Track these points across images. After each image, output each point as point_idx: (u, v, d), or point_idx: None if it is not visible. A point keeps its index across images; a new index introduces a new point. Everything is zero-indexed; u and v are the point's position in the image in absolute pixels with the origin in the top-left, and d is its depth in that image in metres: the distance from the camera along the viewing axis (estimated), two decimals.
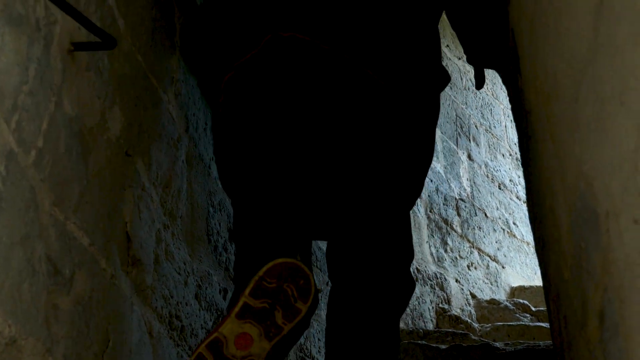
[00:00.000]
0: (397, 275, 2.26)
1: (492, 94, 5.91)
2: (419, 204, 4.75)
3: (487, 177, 5.60)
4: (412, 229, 3.86)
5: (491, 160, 5.73)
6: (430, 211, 4.87)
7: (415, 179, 2.40)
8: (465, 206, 5.25)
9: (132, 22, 2.09)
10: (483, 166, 5.63)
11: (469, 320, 4.50)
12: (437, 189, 4.97)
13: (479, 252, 5.23)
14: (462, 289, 4.90)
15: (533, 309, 4.74)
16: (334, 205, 2.29)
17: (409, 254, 2.33)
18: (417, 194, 2.43)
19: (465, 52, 2.60)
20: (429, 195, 4.88)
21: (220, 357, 1.95)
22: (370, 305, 2.21)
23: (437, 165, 5.03)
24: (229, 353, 1.95)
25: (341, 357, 2.19)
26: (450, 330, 4.14)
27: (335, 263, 2.28)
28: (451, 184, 5.15)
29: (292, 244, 2.22)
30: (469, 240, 5.17)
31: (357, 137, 2.28)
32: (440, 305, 4.69)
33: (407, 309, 4.35)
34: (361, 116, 2.28)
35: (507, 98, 6.04)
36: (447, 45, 5.52)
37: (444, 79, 2.47)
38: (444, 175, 5.09)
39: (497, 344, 3.62)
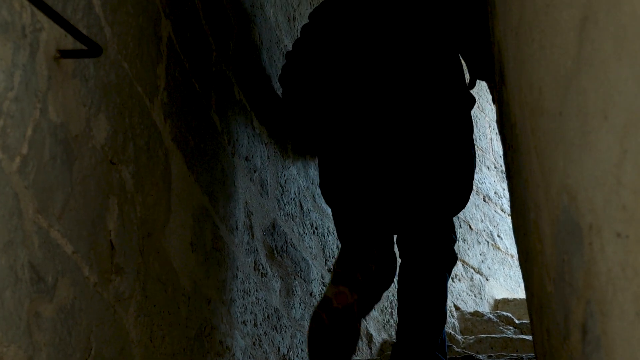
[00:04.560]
0: (449, 251, 3.21)
1: (478, 107, 5.92)
2: None
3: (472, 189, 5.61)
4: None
5: (476, 172, 5.74)
6: None
7: (466, 182, 3.21)
8: None
9: (119, 30, 2.08)
10: None
11: (452, 332, 4.50)
12: None
13: (463, 264, 5.23)
14: None
15: (516, 321, 4.74)
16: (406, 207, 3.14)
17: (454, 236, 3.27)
18: (468, 193, 3.24)
19: (470, 72, 3.39)
20: None
21: (330, 310, 2.95)
22: (430, 272, 3.12)
23: None
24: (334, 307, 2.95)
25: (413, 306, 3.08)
26: None
27: (405, 246, 3.18)
28: None
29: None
30: None
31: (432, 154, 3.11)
32: None
33: (392, 321, 4.36)
34: (433, 138, 3.12)
35: (493, 110, 6.06)
36: None
37: (471, 100, 3.27)
38: None
39: (480, 356, 3.63)
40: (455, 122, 3.19)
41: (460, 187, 3.19)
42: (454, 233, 3.29)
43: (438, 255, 3.17)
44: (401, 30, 3.25)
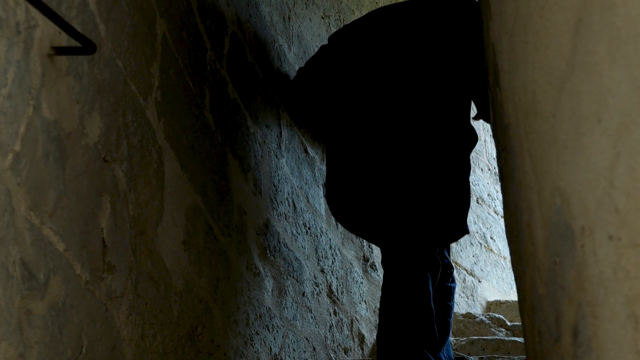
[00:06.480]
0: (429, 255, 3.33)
1: (472, 110, 5.92)
2: None
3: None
4: None
5: (470, 174, 5.74)
6: None
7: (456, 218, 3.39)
8: None
9: (113, 27, 2.08)
10: None
11: None
12: None
13: (455, 266, 5.24)
14: None
15: (508, 323, 4.75)
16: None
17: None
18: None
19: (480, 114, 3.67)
20: None
21: None
22: (410, 273, 3.24)
23: None
24: None
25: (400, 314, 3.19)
26: None
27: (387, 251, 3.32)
28: None
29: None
30: None
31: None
32: None
33: None
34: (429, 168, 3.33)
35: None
36: None
37: (473, 138, 3.51)
38: None
39: (472, 358, 3.63)
40: (453, 161, 3.40)
41: (450, 219, 3.34)
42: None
43: (418, 258, 3.29)
44: (412, 71, 3.40)
